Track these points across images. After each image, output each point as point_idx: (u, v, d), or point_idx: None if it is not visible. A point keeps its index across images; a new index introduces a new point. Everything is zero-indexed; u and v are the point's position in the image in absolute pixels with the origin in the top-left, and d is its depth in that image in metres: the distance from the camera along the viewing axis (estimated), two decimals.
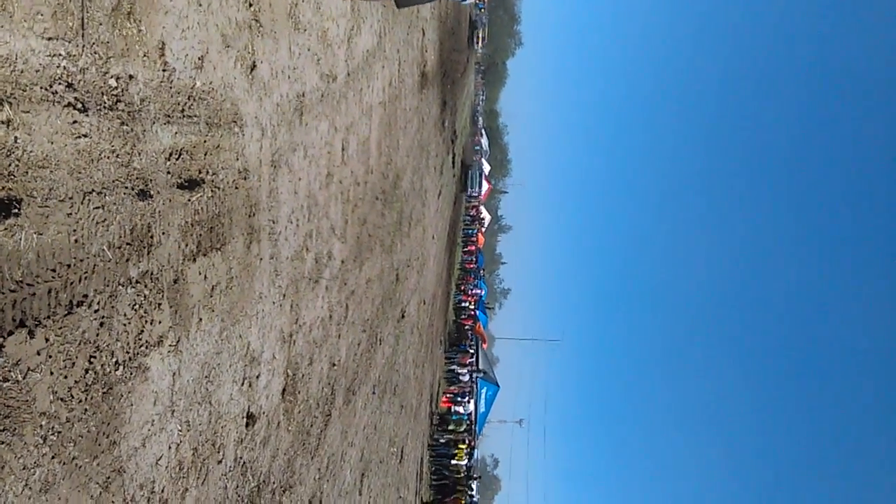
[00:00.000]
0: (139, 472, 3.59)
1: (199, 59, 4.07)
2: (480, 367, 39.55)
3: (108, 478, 3.30)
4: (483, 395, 40.82)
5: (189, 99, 3.99)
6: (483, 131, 77.63)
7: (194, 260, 4.14)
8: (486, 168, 70.85)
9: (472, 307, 44.91)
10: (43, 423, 2.78)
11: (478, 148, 68.70)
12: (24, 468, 2.68)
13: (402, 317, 15.30)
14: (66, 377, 2.92)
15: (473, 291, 46.02)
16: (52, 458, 2.86)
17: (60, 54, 2.80)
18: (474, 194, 51.45)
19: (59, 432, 2.90)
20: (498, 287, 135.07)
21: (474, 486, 35.82)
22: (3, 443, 2.56)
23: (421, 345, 20.73)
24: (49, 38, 2.72)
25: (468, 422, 31.70)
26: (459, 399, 36.29)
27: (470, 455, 29.24)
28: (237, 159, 4.79)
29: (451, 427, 28.55)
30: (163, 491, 3.87)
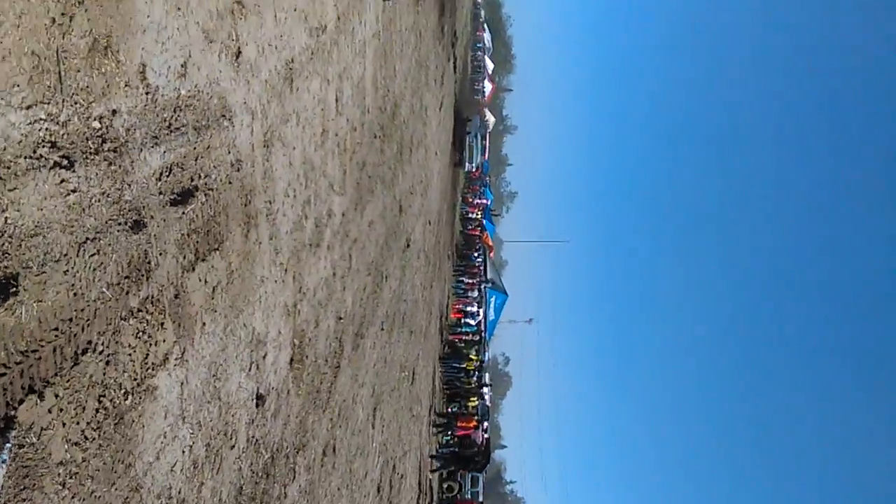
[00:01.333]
0: (155, 484, 3.78)
1: (181, 66, 3.99)
2: (489, 276, 40.06)
3: (126, 498, 3.48)
4: (492, 304, 41.51)
5: (175, 111, 3.94)
6: (485, 25, 75.39)
7: (193, 269, 4.20)
8: (490, 66, 69.22)
9: (478, 216, 45.04)
10: (60, 471, 2.93)
11: (480, 45, 66.98)
12: None
13: (408, 246, 15.43)
14: (77, 423, 3.05)
15: (479, 201, 46.02)
16: (72, 498, 3.02)
17: (41, 118, 2.77)
18: (472, 169, 44.96)
19: (76, 473, 3.05)
20: (504, 190, 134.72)
21: (486, 392, 37.00)
22: (24, 500, 2.71)
23: (428, 266, 20.97)
24: (28, 107, 2.69)
25: (478, 337, 32.33)
26: (469, 309, 36.97)
27: (480, 367, 30.00)
28: (229, 153, 4.76)
29: (461, 346, 29.15)
30: (179, 492, 4.08)
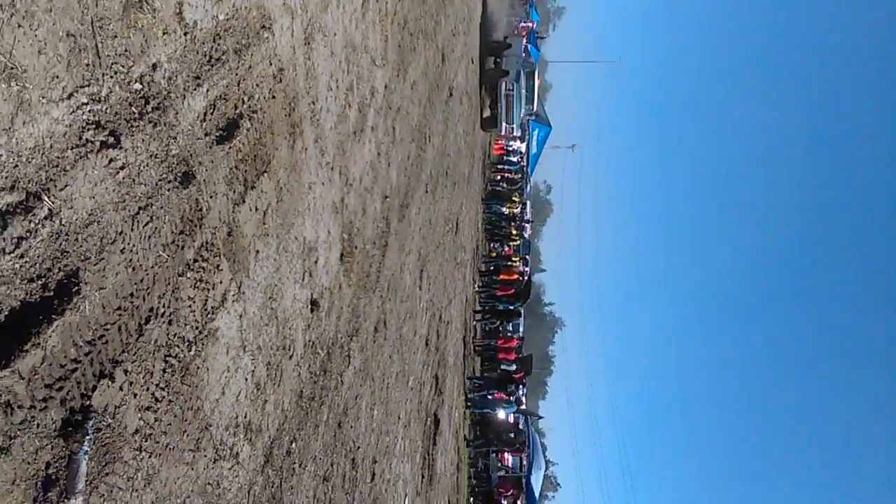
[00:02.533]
0: (223, 417, 3.95)
1: None
2: (533, 109, 39.02)
3: (198, 439, 3.65)
4: (535, 138, 40.79)
5: (214, 41, 3.69)
6: None
7: (243, 201, 4.12)
8: None
9: (523, 40, 43.15)
10: (136, 438, 3.05)
11: None
12: (127, 479, 3.01)
13: (450, 95, 14.98)
14: (147, 389, 3.13)
15: (524, 24, 43.85)
16: (149, 456, 3.17)
17: (83, 103, 2.60)
18: (512, 127, 28.07)
19: (150, 434, 3.18)
20: (551, 7, 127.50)
21: (527, 229, 37.34)
22: (110, 473, 2.86)
23: (470, 108, 20.46)
24: (69, 95, 2.52)
25: (520, 175, 32.03)
26: (511, 146, 36.46)
27: (522, 209, 29.99)
28: (270, 65, 4.51)
29: (503, 188, 28.99)
30: (245, 417, 4.27)
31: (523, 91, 26.84)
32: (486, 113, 25.54)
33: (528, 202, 44.77)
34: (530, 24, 46.49)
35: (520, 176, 32.52)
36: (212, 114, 3.69)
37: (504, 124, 25.96)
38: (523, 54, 30.89)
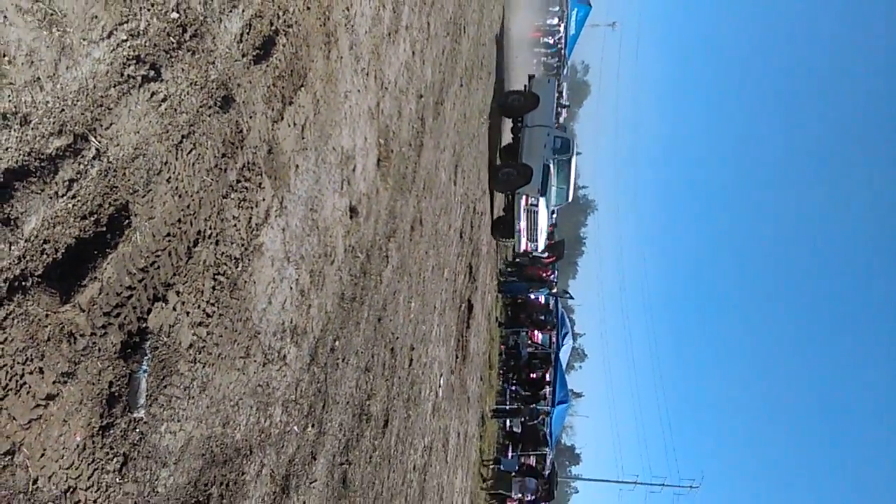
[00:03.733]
0: (270, 325, 4.19)
1: None
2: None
3: (248, 347, 3.90)
4: (574, 17, 39.25)
5: None
6: None
7: (282, 118, 4.19)
8: None
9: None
10: (191, 352, 3.29)
11: None
12: (184, 389, 3.27)
13: None
14: (199, 307, 3.34)
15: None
16: (203, 367, 3.42)
17: (123, 39, 2.65)
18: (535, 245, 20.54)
19: (203, 347, 3.41)
20: None
21: (563, 113, 36.58)
22: (168, 385, 3.11)
23: None
24: (109, 34, 2.57)
25: (557, 62, 31.08)
26: (549, 24, 35.23)
27: (559, 95, 29.21)
28: None
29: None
30: (291, 322, 4.51)
31: (552, 195, 19.02)
32: (499, 213, 19.16)
33: (566, 84, 43.56)
34: None
35: (557, 60, 31.57)
36: (248, 34, 3.70)
37: (524, 240, 18.97)
38: (555, 121, 22.14)
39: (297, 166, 4.46)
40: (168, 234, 3.06)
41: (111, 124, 2.63)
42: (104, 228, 2.64)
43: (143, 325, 2.91)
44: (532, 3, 32.24)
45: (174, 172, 3.06)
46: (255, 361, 3.99)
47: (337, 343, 5.51)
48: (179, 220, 3.14)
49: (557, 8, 36.77)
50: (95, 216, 2.59)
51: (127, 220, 2.74)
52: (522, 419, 20.55)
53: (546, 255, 24.24)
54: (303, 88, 4.49)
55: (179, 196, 3.12)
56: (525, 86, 20.37)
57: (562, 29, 37.87)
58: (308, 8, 4.53)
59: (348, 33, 5.37)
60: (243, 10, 3.62)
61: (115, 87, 2.65)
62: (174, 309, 3.13)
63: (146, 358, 2.88)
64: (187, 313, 3.24)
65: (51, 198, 2.37)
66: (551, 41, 34.30)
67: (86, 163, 2.51)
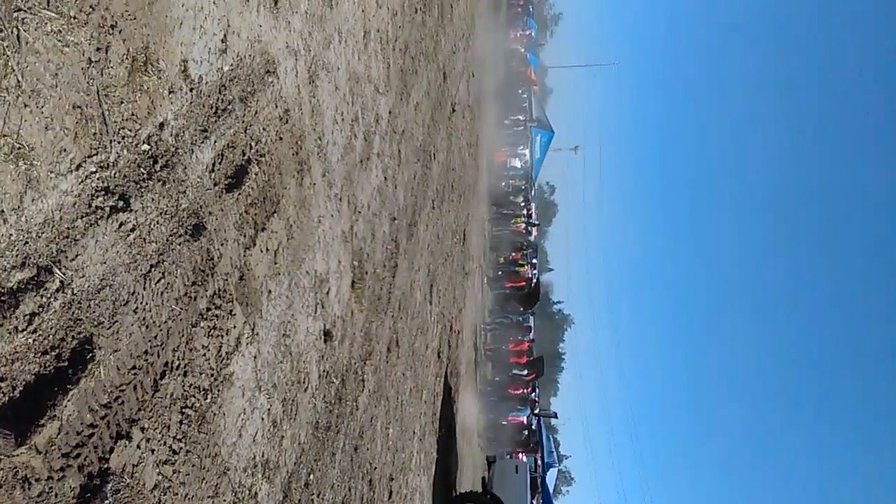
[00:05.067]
0: (241, 459, 3.99)
1: (221, 41, 3.73)
2: (534, 115, 39.14)
3: (216, 485, 3.69)
4: (538, 142, 40.84)
5: (220, 91, 3.73)
6: None
7: (254, 244, 4.17)
8: None
9: (522, 49, 43.30)
10: (155, 493, 3.09)
11: None
12: None
13: (453, 111, 15.02)
14: (164, 443, 3.17)
15: (523, 33, 43.99)
16: None
17: (92, 171, 2.65)
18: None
19: (169, 487, 3.22)
20: (549, 13, 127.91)
21: (533, 232, 37.33)
22: None
23: (473, 121, 20.50)
24: (78, 166, 2.56)
25: (524, 185, 32.10)
26: (514, 149, 36.51)
27: (528, 224, 30.06)
28: (276, 107, 4.56)
29: (510, 198, 29.06)
30: (263, 455, 4.31)
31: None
32: None
33: (534, 205, 44.77)
34: (529, 33, 46.60)
35: (524, 184, 32.56)
36: (220, 163, 3.73)
37: None
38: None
39: (270, 292, 4.40)
40: (134, 367, 2.94)
41: (77, 255, 2.57)
42: (66, 363, 2.53)
43: (105, 466, 2.74)
44: (500, 130, 33.52)
45: (142, 303, 2.99)
46: (224, 501, 3.77)
47: (311, 477, 5.27)
48: (146, 352, 3.03)
49: (523, 149, 38.25)
50: (57, 350, 2.49)
51: (91, 354, 2.63)
52: None
53: (525, 372, 24.01)
54: (275, 214, 4.50)
55: (147, 327, 3.03)
56: (483, 478, 16.61)
57: (527, 153, 39.30)
58: (280, 138, 4.61)
59: (321, 161, 5.46)
60: (215, 141, 3.67)
61: (82, 218, 2.61)
62: (138, 447, 2.97)
63: (107, 502, 2.69)
64: (152, 451, 3.07)
65: (10, 333, 2.27)
66: (518, 164, 35.44)
67: (49, 296, 2.44)
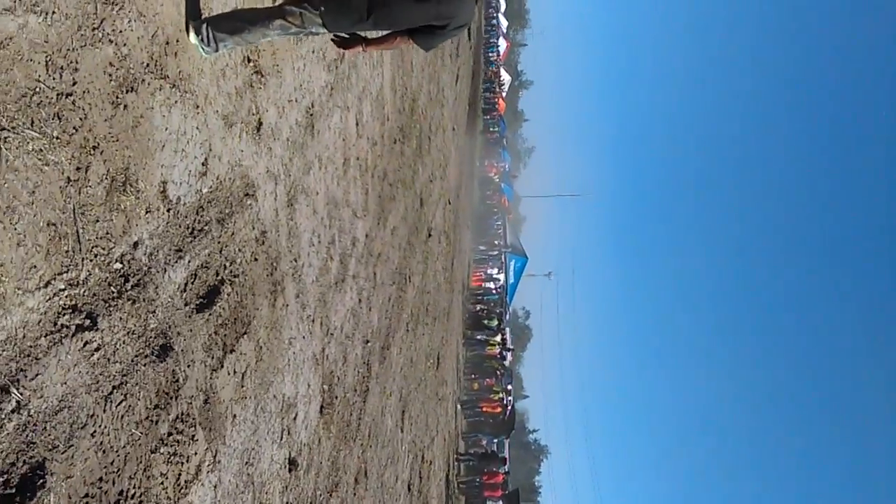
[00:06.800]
0: None
1: (202, 164, 3.80)
2: (508, 241, 39.85)
3: None
4: (512, 268, 41.36)
5: (197, 212, 3.77)
6: None
7: (222, 365, 4.08)
8: (504, 24, 67.84)
9: (497, 179, 44.65)
10: None
11: (494, 4, 65.42)
12: None
13: (429, 236, 15.25)
14: None
15: (498, 165, 45.55)
16: None
17: (61, 288, 2.61)
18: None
19: None
20: (522, 147, 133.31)
21: (508, 357, 37.09)
22: None
23: (449, 245, 20.79)
24: (47, 284, 2.53)
25: (499, 310, 32.28)
26: (490, 273, 36.86)
27: (503, 344, 29.99)
28: (253, 229, 4.59)
29: (484, 321, 29.13)
30: None
31: None
32: None
33: (508, 329, 44.80)
34: (503, 164, 48.30)
35: (499, 310, 32.69)
36: (192, 283, 3.71)
37: None
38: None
39: (235, 416, 4.27)
40: (86, 496, 2.78)
41: (37, 375, 2.49)
42: (14, 490, 2.39)
43: None
44: (475, 254, 34.00)
45: (100, 426, 2.87)
46: None
47: None
48: (101, 479, 2.88)
49: (498, 273, 38.84)
50: (6, 476, 2.36)
51: (41, 481, 2.50)
52: None
53: None
54: (245, 336, 4.44)
55: (103, 452, 2.90)
56: None
57: (502, 278, 39.73)
58: (256, 259, 4.62)
59: (295, 283, 5.45)
60: (189, 261, 3.66)
61: (46, 336, 2.55)
62: None
63: None
64: None
65: None
66: (492, 287, 35.71)
67: (3, 417, 2.33)
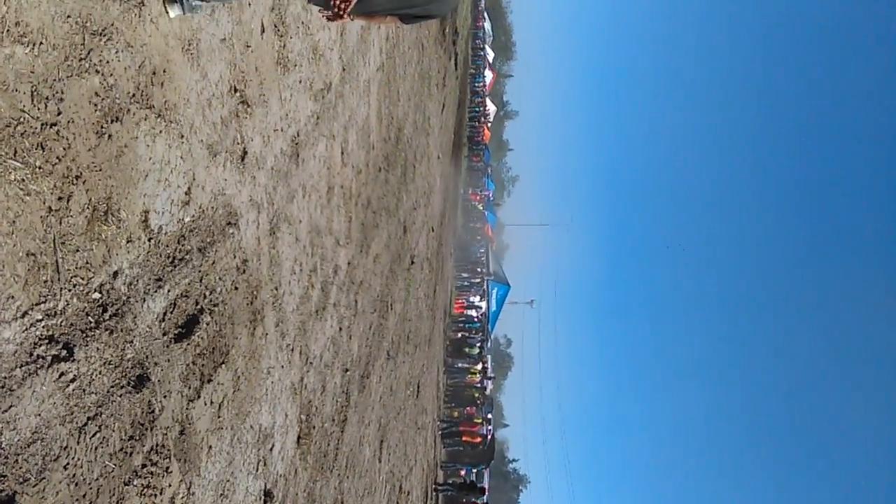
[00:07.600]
0: None
1: (185, 194, 3.80)
2: (491, 269, 39.95)
3: None
4: (494, 295, 41.40)
5: (178, 242, 3.76)
6: (485, 14, 74.59)
7: (199, 395, 4.04)
8: (490, 55, 68.64)
9: (480, 206, 44.85)
10: None
11: (480, 35, 66.25)
12: None
13: (412, 263, 15.26)
14: None
15: (482, 193, 45.79)
16: None
17: (38, 319, 2.59)
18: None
19: None
20: (506, 176, 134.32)
21: (488, 385, 36.98)
22: None
23: (431, 273, 20.80)
24: (23, 314, 2.51)
25: (481, 337, 32.24)
26: (472, 301, 36.86)
27: (484, 373, 29.93)
28: (234, 258, 4.58)
29: (465, 349, 29.08)
30: None
31: None
32: None
33: (489, 356, 44.74)
34: (487, 193, 48.59)
35: (481, 336, 32.65)
36: (171, 313, 3.69)
37: None
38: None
39: (210, 447, 4.22)
40: None
41: (11, 406, 2.46)
42: None
43: None
44: (457, 282, 33.99)
45: (73, 458, 2.83)
46: None
47: None
48: None
49: (480, 300, 38.86)
50: None
51: None
52: None
53: None
54: (223, 365, 4.41)
55: (76, 484, 2.86)
56: None
57: (483, 306, 39.73)
58: (236, 288, 4.61)
59: (275, 311, 5.43)
60: (169, 291, 3.65)
61: (21, 367, 2.52)
62: None
63: None
64: None
65: None
66: (474, 315, 35.69)
67: None
